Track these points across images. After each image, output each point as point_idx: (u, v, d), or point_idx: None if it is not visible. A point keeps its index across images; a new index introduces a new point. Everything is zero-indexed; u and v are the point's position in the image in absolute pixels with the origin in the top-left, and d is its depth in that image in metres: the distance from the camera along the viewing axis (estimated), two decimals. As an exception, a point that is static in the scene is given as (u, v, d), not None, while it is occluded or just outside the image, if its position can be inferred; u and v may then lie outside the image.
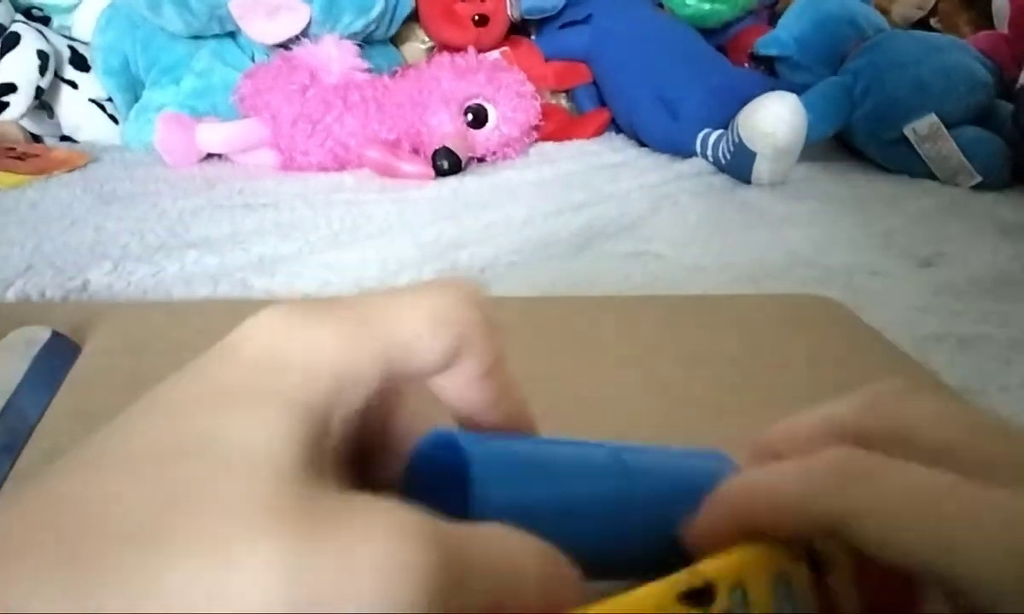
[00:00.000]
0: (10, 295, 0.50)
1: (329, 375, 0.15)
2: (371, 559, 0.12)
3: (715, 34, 1.22)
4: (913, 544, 0.15)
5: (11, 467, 0.25)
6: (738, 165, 0.92)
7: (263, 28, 0.99)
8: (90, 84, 1.04)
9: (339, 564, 0.12)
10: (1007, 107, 1.01)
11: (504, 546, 0.14)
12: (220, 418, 0.13)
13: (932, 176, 0.99)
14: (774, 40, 1.13)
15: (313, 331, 0.15)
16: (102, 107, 1.04)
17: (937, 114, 0.96)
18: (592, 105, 1.19)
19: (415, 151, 0.96)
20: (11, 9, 1.02)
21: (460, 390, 0.18)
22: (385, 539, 0.12)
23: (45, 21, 1.08)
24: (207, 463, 0.13)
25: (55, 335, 0.31)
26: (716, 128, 0.97)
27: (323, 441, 0.14)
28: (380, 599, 0.12)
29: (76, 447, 0.13)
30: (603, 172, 0.95)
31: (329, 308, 0.16)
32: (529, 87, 1.03)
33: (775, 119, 0.88)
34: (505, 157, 1.01)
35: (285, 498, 0.12)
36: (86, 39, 1.05)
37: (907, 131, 0.98)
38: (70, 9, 1.07)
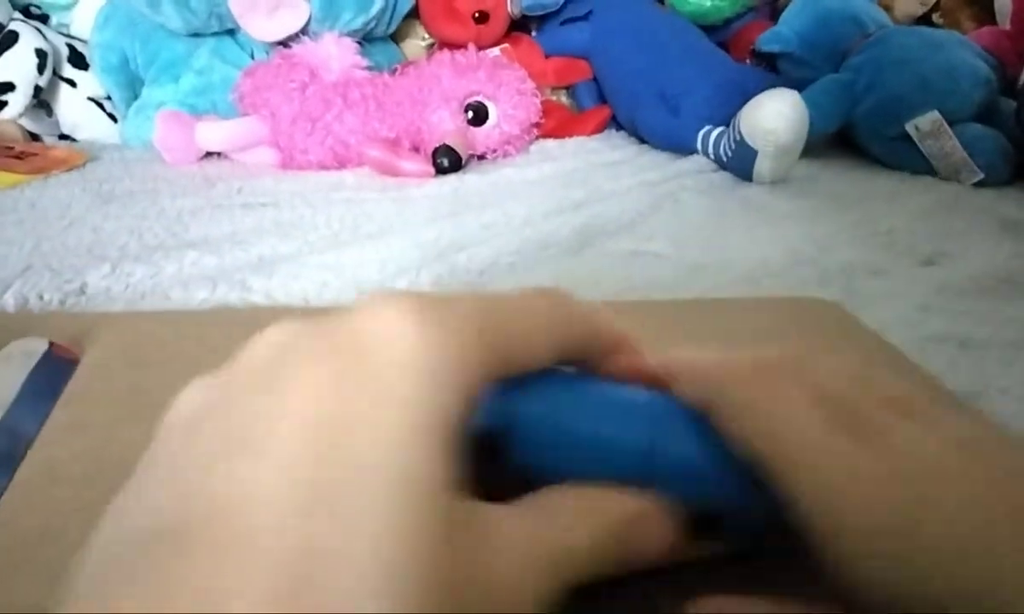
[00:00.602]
0: (8, 297, 0.50)
1: (455, 384, 0.16)
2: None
3: (716, 30, 1.22)
4: (751, 442, 0.19)
5: (9, 480, 0.25)
6: (739, 163, 0.91)
7: (263, 26, 0.98)
8: (89, 82, 1.03)
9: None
10: (1009, 104, 1.01)
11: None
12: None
13: (934, 173, 0.98)
14: (776, 36, 1.12)
15: (442, 338, 0.16)
16: (101, 105, 1.04)
17: (939, 111, 0.96)
18: (592, 102, 1.18)
19: (415, 149, 0.95)
20: (9, 7, 1.02)
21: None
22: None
23: (43, 19, 1.08)
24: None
25: (53, 346, 0.31)
26: (717, 125, 0.97)
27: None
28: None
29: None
30: (603, 170, 0.95)
31: (455, 313, 0.17)
32: (529, 84, 1.03)
33: (776, 116, 0.87)
34: (506, 155, 1.00)
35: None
36: (84, 37, 1.04)
37: (909, 128, 0.98)
38: (68, 7, 1.07)
